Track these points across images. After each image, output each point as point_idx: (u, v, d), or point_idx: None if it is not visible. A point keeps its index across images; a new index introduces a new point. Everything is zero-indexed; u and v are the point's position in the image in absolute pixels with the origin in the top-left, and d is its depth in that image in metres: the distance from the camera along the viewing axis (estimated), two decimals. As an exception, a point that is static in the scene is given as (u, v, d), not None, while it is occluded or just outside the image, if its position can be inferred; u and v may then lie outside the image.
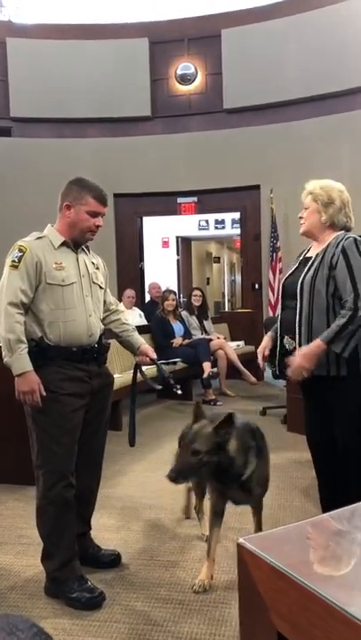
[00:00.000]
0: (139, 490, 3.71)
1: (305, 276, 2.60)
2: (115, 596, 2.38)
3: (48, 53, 9.04)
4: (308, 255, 2.70)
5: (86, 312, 2.43)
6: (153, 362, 2.77)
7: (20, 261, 2.32)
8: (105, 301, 2.67)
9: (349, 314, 2.41)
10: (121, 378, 5.26)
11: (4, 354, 2.30)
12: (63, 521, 2.35)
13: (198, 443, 2.22)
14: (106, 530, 3.03)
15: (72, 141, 9.16)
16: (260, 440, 2.46)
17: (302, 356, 2.49)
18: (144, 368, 2.86)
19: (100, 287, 2.58)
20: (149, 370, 3.17)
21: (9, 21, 9.32)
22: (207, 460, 2.19)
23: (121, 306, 6.87)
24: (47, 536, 2.39)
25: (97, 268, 2.59)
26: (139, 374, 2.86)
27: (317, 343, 2.46)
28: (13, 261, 2.33)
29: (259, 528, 2.52)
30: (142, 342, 2.76)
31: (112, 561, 2.65)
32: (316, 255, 2.61)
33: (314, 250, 2.68)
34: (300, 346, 2.59)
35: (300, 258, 2.74)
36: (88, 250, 2.60)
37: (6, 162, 8.96)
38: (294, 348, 2.61)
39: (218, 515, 2.47)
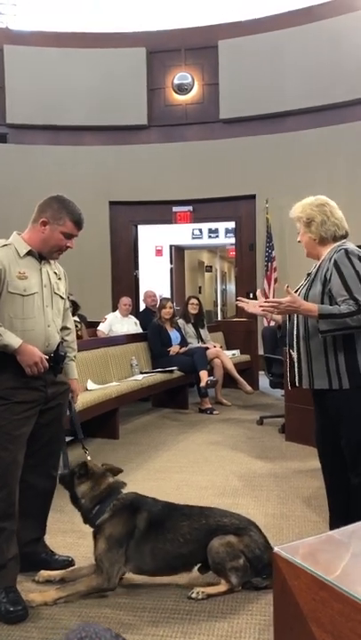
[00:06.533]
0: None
1: (300, 291, 2.64)
2: (121, 605, 2.35)
3: (45, 61, 9.07)
4: (310, 271, 2.73)
5: (45, 322, 2.44)
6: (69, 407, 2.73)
7: None
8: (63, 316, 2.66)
9: (354, 309, 2.40)
10: (119, 386, 5.25)
11: None
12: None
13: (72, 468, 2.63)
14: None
15: (68, 149, 9.17)
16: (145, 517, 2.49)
17: (298, 302, 2.48)
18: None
19: (62, 297, 2.60)
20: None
21: (6, 28, 9.34)
22: (68, 482, 2.59)
23: (116, 318, 6.90)
24: None
25: (59, 279, 2.60)
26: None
27: (314, 308, 2.46)
28: None
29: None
30: (74, 376, 2.78)
31: (64, 567, 2.63)
32: (313, 271, 2.64)
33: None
34: (299, 359, 2.62)
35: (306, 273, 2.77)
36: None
37: (1, 168, 8.94)
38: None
39: None
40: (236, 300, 3.02)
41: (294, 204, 2.76)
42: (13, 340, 2.30)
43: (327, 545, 1.10)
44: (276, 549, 1.04)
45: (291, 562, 1.00)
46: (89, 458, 2.67)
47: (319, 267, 2.60)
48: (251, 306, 2.79)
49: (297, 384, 2.67)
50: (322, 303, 2.50)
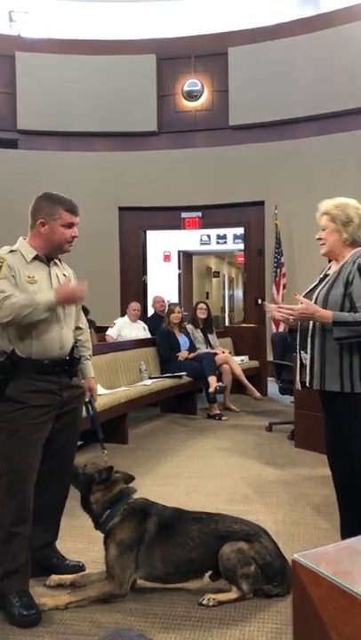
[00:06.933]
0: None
1: (319, 292, 2.62)
2: (133, 611, 2.35)
3: (56, 68, 9.13)
4: (327, 272, 2.72)
5: (59, 325, 2.45)
6: (88, 403, 2.75)
7: (1, 269, 2.35)
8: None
9: None
10: (128, 391, 5.25)
11: (31, 313, 2.28)
12: (14, 531, 2.31)
13: (87, 465, 2.63)
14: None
15: (78, 155, 9.21)
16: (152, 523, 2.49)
17: (313, 309, 2.48)
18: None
19: None
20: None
21: (18, 36, 9.41)
22: (80, 480, 2.58)
23: (114, 330, 6.87)
24: None
25: (69, 280, 2.60)
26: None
27: (328, 315, 2.45)
28: None
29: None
30: (91, 374, 2.78)
31: (75, 572, 2.63)
32: (333, 272, 2.63)
33: (333, 267, 2.69)
34: (312, 361, 2.60)
35: (321, 275, 2.76)
36: (60, 261, 2.61)
37: (12, 173, 8.99)
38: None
39: None
40: (261, 303, 3.01)
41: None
42: (47, 299, 2.32)
43: (346, 553, 1.10)
44: (295, 557, 1.05)
45: (311, 569, 1.00)
46: (106, 459, 2.67)
47: (341, 268, 2.58)
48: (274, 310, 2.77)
49: (307, 384, 2.66)
50: (343, 305, 2.49)
